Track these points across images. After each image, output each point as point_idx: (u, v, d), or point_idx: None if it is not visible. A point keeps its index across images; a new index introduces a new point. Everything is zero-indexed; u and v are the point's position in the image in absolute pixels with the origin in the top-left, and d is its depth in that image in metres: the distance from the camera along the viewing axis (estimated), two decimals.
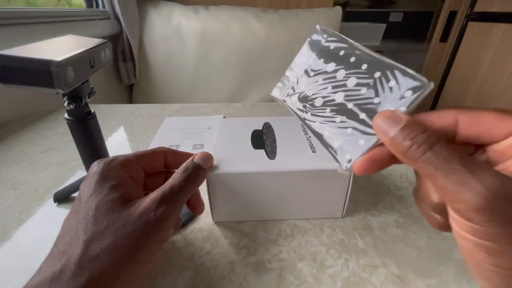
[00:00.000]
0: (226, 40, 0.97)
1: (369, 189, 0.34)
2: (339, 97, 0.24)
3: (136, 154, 0.23)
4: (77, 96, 0.27)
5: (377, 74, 0.23)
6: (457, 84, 1.37)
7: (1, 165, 0.40)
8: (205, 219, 0.30)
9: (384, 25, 1.74)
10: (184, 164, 0.23)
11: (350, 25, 1.73)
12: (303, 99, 0.26)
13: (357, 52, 0.24)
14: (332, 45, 0.27)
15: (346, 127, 0.22)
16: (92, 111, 0.29)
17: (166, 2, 1.00)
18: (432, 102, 1.52)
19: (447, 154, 0.14)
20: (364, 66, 0.24)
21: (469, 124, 0.16)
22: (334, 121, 0.23)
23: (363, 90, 0.23)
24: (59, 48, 0.25)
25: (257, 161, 0.27)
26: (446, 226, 0.18)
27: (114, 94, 0.99)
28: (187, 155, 0.26)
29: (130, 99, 1.09)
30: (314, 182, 0.27)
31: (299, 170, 0.26)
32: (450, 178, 0.14)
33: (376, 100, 0.22)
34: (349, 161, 0.21)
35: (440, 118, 0.17)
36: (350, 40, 0.26)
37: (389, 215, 0.30)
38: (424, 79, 0.20)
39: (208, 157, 0.25)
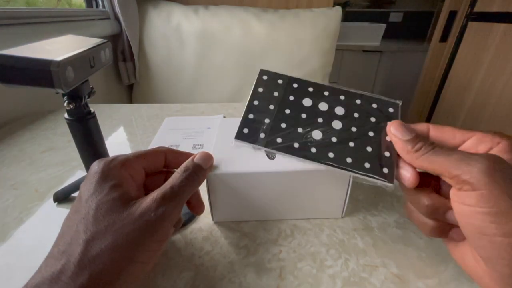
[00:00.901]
0: (226, 40, 0.97)
1: (369, 189, 0.34)
2: (337, 125, 0.25)
3: (136, 154, 0.23)
4: (77, 96, 0.27)
5: (358, 101, 0.27)
6: (457, 84, 1.37)
7: (1, 165, 0.40)
8: (205, 219, 0.30)
9: (384, 25, 1.74)
10: (184, 164, 0.23)
11: (350, 25, 1.73)
12: (290, 137, 0.25)
13: (325, 87, 0.27)
14: (295, 84, 0.28)
15: (364, 147, 0.24)
16: (92, 111, 0.29)
17: (166, 2, 1.00)
18: (432, 102, 1.52)
19: (447, 148, 0.20)
20: (342, 97, 0.27)
21: (436, 132, 0.23)
22: (348, 146, 0.24)
23: (356, 114, 0.26)
24: (59, 48, 0.25)
25: (257, 161, 0.27)
26: (437, 230, 0.21)
27: (114, 94, 0.99)
28: (187, 155, 0.26)
29: (130, 99, 1.08)
30: (314, 182, 0.27)
31: (299, 170, 0.26)
32: (453, 157, 0.19)
33: (372, 119, 0.26)
34: (388, 173, 0.23)
35: (419, 127, 0.23)
36: (310, 80, 0.28)
37: (389, 215, 0.30)
38: (394, 100, 0.26)
39: (208, 157, 0.25)
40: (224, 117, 0.57)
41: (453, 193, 0.19)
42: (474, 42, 1.26)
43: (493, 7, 1.18)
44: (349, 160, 0.24)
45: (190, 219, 0.29)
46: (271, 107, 0.26)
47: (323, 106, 0.26)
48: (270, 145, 0.24)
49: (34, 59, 0.21)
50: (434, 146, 0.20)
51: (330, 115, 0.26)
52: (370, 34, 1.77)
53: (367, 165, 0.23)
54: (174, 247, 0.26)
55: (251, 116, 0.26)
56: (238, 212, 0.29)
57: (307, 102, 0.27)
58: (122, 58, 0.96)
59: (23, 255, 0.26)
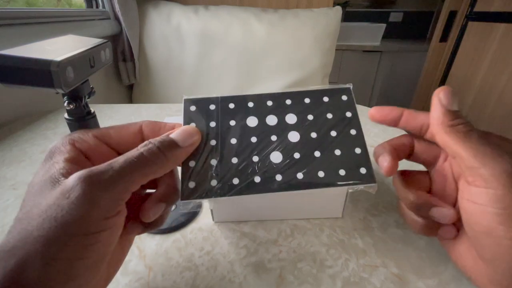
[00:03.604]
0: (226, 40, 0.97)
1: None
2: (295, 137, 0.22)
3: (101, 130, 0.20)
4: (77, 96, 0.27)
5: (306, 100, 0.24)
6: (457, 84, 1.37)
7: (1, 165, 0.40)
8: (205, 219, 0.30)
9: (384, 25, 1.74)
10: (154, 138, 0.19)
11: (350, 25, 1.73)
12: (248, 172, 0.21)
13: (267, 96, 0.24)
14: (231, 104, 0.23)
15: (332, 152, 0.22)
16: (92, 111, 0.29)
17: (166, 2, 1.00)
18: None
19: (479, 137, 0.18)
20: (289, 101, 0.24)
21: (409, 118, 0.21)
22: (314, 158, 0.22)
23: (310, 116, 0.23)
24: (59, 48, 0.25)
25: None
26: (426, 228, 0.21)
27: (114, 94, 0.99)
28: (169, 128, 0.21)
29: (130, 99, 1.08)
30: None
31: None
32: (482, 148, 0.17)
33: (329, 116, 0.23)
34: (366, 173, 0.21)
35: (393, 111, 0.22)
36: (245, 94, 0.24)
37: (389, 215, 0.30)
38: (343, 85, 0.24)
39: (190, 133, 0.20)
40: None
41: (462, 189, 0.19)
42: (474, 42, 1.26)
43: (493, 7, 1.18)
44: (321, 174, 0.21)
45: (190, 219, 0.29)
46: (213, 142, 0.21)
47: (272, 120, 0.23)
48: (228, 192, 0.20)
49: (34, 59, 0.21)
50: (471, 128, 0.19)
51: (282, 128, 0.22)
52: (370, 34, 1.77)
53: (342, 172, 0.21)
54: (174, 247, 0.26)
55: (192, 163, 0.20)
56: (238, 212, 0.29)
57: (252, 121, 0.23)
58: (122, 58, 0.95)
59: None
